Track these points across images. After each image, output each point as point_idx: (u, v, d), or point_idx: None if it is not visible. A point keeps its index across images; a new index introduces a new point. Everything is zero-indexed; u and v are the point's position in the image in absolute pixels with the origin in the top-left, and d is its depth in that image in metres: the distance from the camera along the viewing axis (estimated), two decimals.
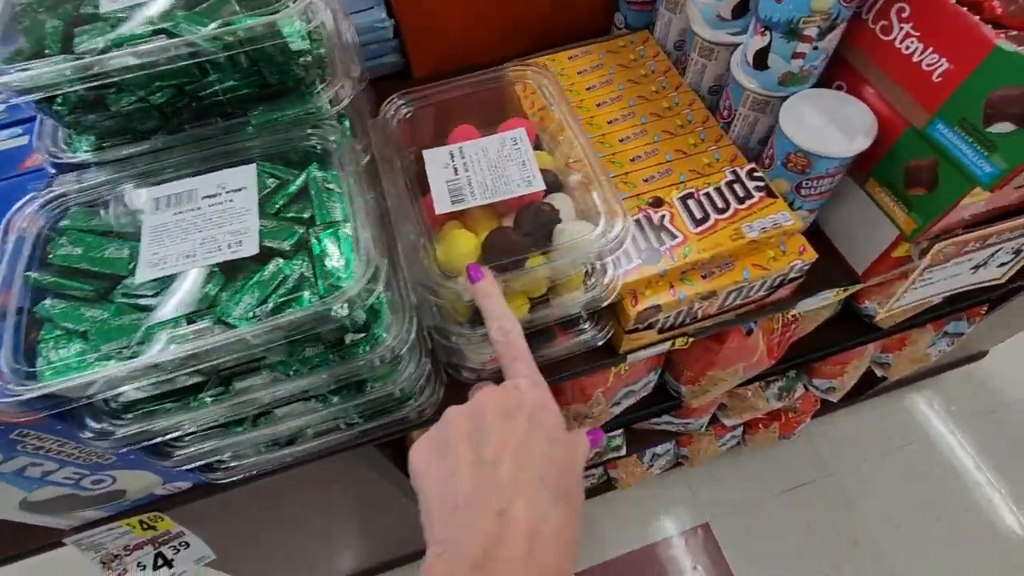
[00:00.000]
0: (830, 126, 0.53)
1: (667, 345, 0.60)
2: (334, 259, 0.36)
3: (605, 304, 0.50)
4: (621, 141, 0.63)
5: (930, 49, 0.46)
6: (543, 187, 0.45)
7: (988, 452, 1.54)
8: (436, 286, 0.40)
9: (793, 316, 0.74)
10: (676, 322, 0.57)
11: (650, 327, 0.56)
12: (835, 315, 0.91)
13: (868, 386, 1.45)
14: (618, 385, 0.73)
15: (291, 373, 0.40)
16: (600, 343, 0.56)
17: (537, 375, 0.34)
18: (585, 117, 0.65)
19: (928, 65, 0.46)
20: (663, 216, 0.54)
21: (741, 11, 0.58)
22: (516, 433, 0.30)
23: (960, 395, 1.63)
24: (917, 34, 0.47)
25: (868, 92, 0.53)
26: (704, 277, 0.54)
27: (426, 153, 0.47)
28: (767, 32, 0.51)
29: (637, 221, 0.54)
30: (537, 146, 0.53)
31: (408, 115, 0.51)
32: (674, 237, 0.53)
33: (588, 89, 0.68)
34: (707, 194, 0.55)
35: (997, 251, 0.59)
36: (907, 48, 0.47)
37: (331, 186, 0.39)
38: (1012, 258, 0.62)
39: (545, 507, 0.28)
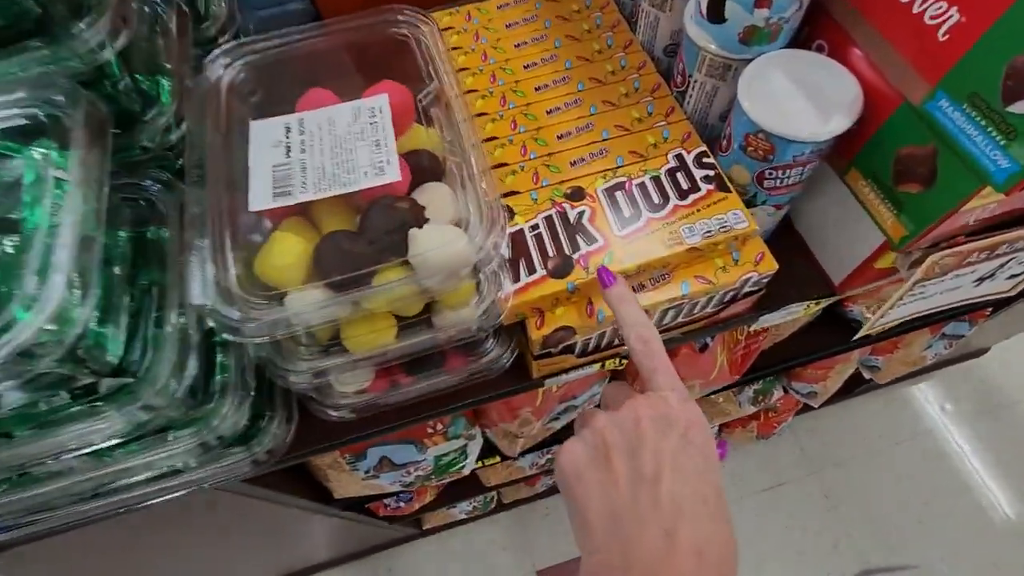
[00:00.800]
0: (803, 99, 0.41)
1: (595, 367, 0.49)
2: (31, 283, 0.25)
3: (496, 324, 0.39)
4: (549, 113, 0.51)
5: None
6: (397, 176, 0.33)
7: (982, 454, 1.45)
8: (214, 311, 0.29)
9: (758, 330, 0.62)
10: (601, 343, 0.46)
11: (567, 351, 0.45)
12: (816, 319, 0.80)
13: (857, 384, 1.35)
14: (551, 403, 0.63)
15: (27, 430, 0.29)
16: (507, 365, 0.46)
17: (682, 388, 0.33)
18: (509, 81, 0.53)
19: (933, 18, 0.34)
20: (582, 212, 0.42)
21: None
22: (671, 450, 0.29)
23: (957, 394, 1.52)
24: None
25: (855, 55, 0.40)
26: (633, 291, 0.42)
27: (253, 126, 0.35)
28: None
29: (548, 218, 0.42)
30: (427, 119, 0.41)
31: (242, 75, 0.38)
32: (593, 241, 0.41)
33: (517, 46, 0.55)
34: (641, 185, 0.43)
35: (1008, 261, 0.47)
36: None
37: (60, 174, 0.28)
38: None
39: (709, 530, 0.28)
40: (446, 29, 0.57)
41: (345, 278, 0.32)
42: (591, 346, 0.46)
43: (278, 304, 0.31)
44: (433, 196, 0.36)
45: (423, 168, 0.36)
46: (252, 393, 0.36)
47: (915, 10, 0.34)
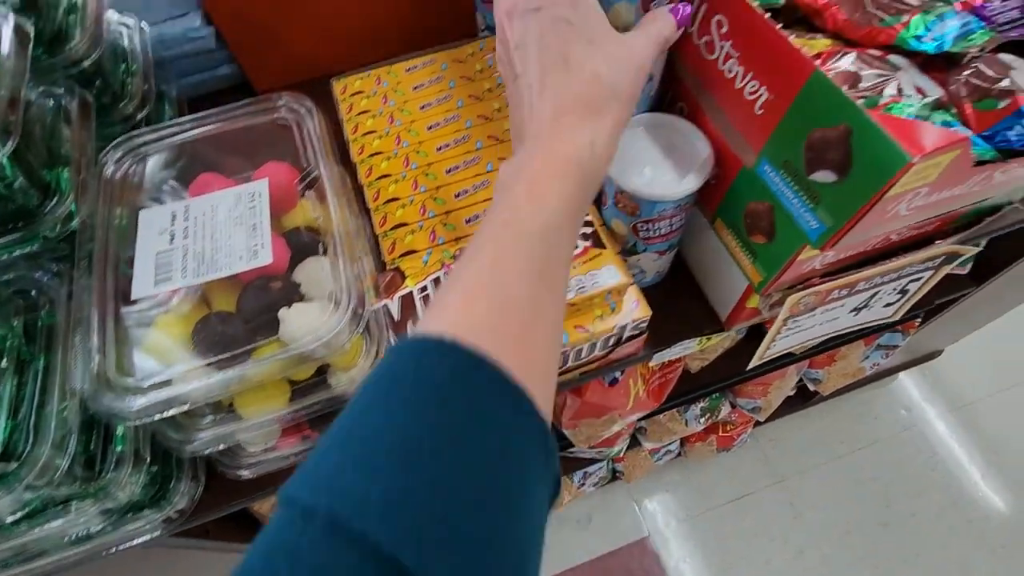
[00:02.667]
0: (663, 160, 0.44)
1: None
2: None
3: None
4: (448, 172, 0.54)
5: (751, 74, 0.37)
6: (269, 259, 0.36)
7: (942, 455, 1.48)
8: (93, 397, 0.32)
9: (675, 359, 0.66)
10: None
11: None
12: (743, 339, 0.83)
13: (811, 394, 1.39)
14: None
15: None
16: None
17: None
18: (413, 142, 0.56)
19: (751, 93, 0.37)
20: None
21: None
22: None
23: (915, 397, 1.56)
24: (737, 55, 0.38)
25: (705, 120, 0.44)
26: None
27: (142, 215, 0.38)
28: None
29: (436, 279, 0.46)
30: (316, 195, 0.44)
31: (135, 166, 0.42)
32: None
33: (422, 108, 0.59)
34: None
35: (876, 294, 0.51)
36: (730, 72, 0.39)
37: None
38: (899, 298, 0.54)
39: (599, 54, 0.30)
40: (357, 93, 0.60)
41: (223, 357, 0.35)
42: None
43: (160, 387, 0.34)
44: (311, 271, 0.39)
45: (303, 244, 0.39)
46: (148, 460, 0.39)
47: (737, 86, 0.38)
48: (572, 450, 1.02)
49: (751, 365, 0.55)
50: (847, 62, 0.35)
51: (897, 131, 0.29)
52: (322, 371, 0.43)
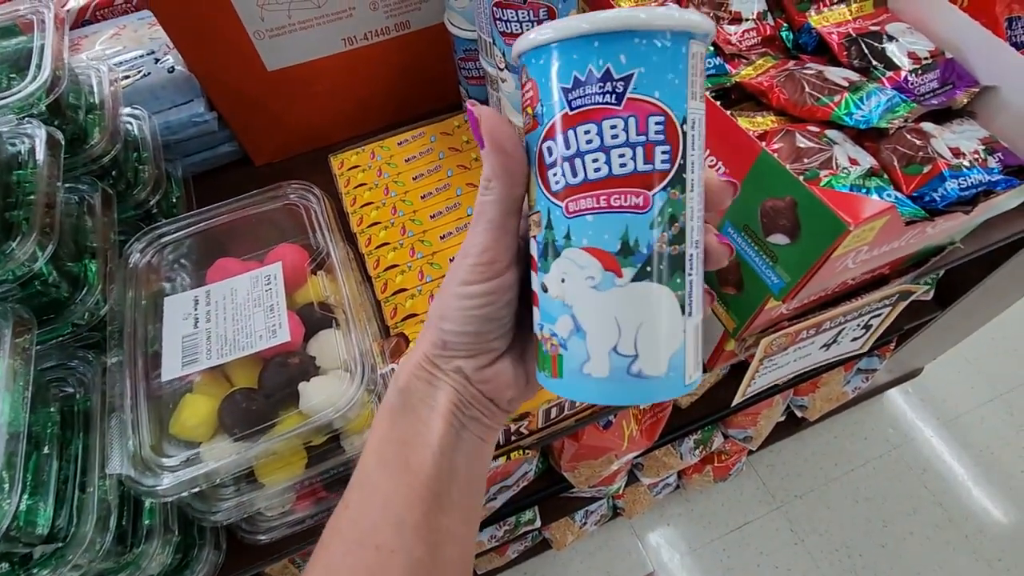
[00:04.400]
0: None
1: (502, 460, 0.55)
2: None
3: None
4: (442, 238, 0.58)
5: (708, 151, 0.42)
6: (287, 337, 0.40)
7: (932, 471, 1.52)
8: (130, 478, 0.35)
9: None
10: (509, 438, 0.52)
11: None
12: (728, 374, 0.87)
13: (802, 418, 1.42)
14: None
15: None
16: None
17: None
18: (408, 212, 0.61)
19: (711, 167, 0.42)
20: None
21: None
22: None
23: (900, 415, 1.60)
24: None
25: None
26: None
27: (167, 301, 0.42)
28: None
29: None
30: (325, 273, 0.48)
31: (158, 254, 0.45)
32: None
33: (415, 179, 0.63)
34: None
35: (841, 331, 0.56)
36: None
37: None
38: (864, 332, 0.58)
39: None
40: (353, 167, 0.65)
41: (248, 432, 0.38)
42: (500, 441, 0.52)
43: (190, 464, 0.37)
44: (324, 344, 0.42)
45: (315, 319, 0.43)
46: (175, 532, 0.41)
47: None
48: (572, 491, 1.04)
49: (736, 401, 0.59)
50: (790, 140, 0.40)
51: (836, 202, 0.34)
52: (335, 436, 0.46)
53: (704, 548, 1.46)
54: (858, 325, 0.56)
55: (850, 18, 0.51)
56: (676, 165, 0.21)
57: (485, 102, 0.71)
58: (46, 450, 0.35)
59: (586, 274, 0.21)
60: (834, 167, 0.39)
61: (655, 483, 1.26)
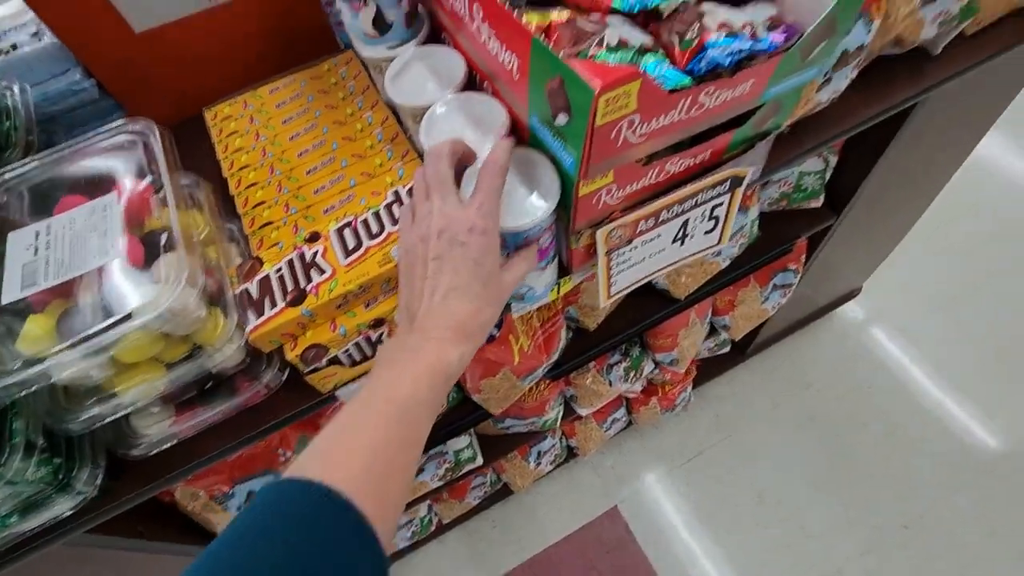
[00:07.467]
0: (466, 124, 0.52)
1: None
2: None
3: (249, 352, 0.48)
4: (308, 173, 0.61)
5: (503, 46, 0.45)
6: (120, 256, 0.43)
7: (880, 385, 1.57)
8: None
9: (552, 312, 0.73)
10: (370, 353, 0.55)
11: (335, 363, 0.54)
12: (640, 292, 0.91)
13: (747, 343, 1.47)
14: None
15: None
16: (283, 379, 0.55)
17: (484, 201, 0.43)
18: (277, 153, 0.63)
19: (508, 63, 0.45)
20: (316, 252, 0.52)
21: (382, 25, 0.57)
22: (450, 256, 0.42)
23: (844, 334, 1.65)
24: (492, 31, 0.45)
25: (504, 101, 0.52)
26: (368, 306, 0.52)
27: (10, 236, 0.45)
28: None
29: (290, 261, 0.52)
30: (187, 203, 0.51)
31: (5, 198, 0.48)
32: (323, 272, 0.51)
33: (284, 122, 0.66)
34: (364, 220, 0.54)
35: (686, 222, 0.59)
36: (492, 49, 0.46)
37: None
38: (714, 224, 0.61)
39: (468, 307, 0.42)
40: (226, 118, 0.67)
41: (82, 336, 0.41)
42: (358, 357, 0.55)
43: (28, 365, 0.40)
44: (165, 266, 0.45)
45: (156, 244, 0.46)
46: (42, 446, 0.45)
47: (500, 59, 0.46)
48: (505, 424, 1.08)
49: (601, 301, 0.62)
50: (571, 26, 0.43)
51: (593, 72, 0.37)
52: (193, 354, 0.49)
53: (662, 479, 1.52)
54: (703, 215, 0.59)
55: None
56: None
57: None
58: None
59: None
60: (603, 46, 0.42)
61: (603, 418, 1.31)
